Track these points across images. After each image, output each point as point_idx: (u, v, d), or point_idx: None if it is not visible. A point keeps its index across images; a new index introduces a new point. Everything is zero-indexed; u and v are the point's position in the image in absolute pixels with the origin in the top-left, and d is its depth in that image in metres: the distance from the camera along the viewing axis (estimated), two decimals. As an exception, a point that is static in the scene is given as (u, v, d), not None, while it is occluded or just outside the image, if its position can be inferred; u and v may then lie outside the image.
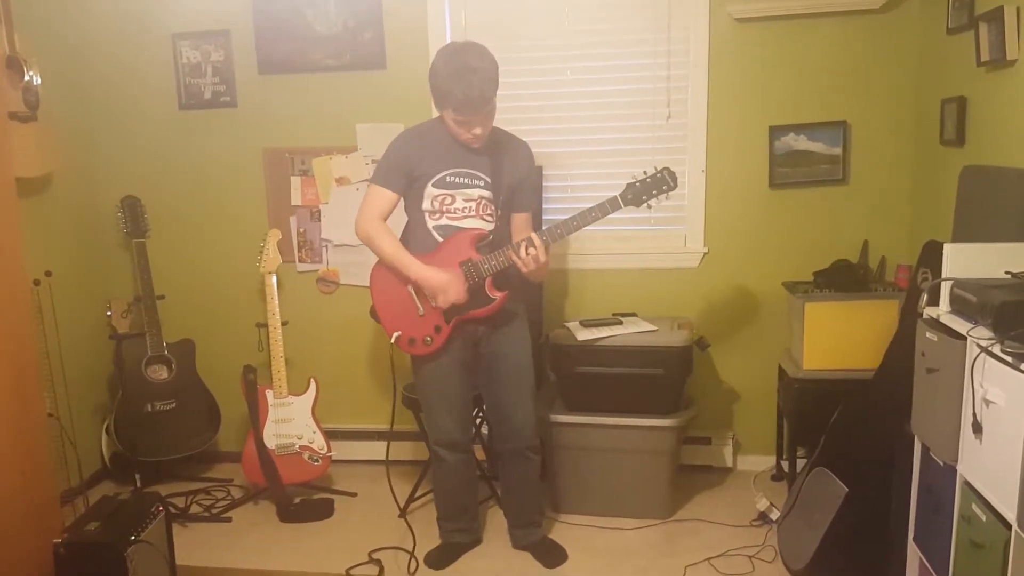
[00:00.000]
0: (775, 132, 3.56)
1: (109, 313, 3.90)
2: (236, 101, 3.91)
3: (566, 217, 2.83)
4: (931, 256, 2.84)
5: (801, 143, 3.56)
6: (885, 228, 3.56)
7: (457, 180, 2.84)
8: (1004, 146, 2.69)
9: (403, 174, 2.86)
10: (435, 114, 2.88)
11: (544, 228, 2.85)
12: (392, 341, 2.94)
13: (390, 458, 3.96)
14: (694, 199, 3.68)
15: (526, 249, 2.77)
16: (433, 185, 2.84)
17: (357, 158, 3.81)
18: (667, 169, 2.82)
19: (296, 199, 3.94)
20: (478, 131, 2.75)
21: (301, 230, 3.97)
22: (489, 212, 2.88)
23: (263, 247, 3.69)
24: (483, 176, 2.85)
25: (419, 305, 2.90)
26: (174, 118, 3.97)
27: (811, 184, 3.58)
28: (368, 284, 3.01)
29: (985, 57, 2.74)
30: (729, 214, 3.68)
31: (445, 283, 2.80)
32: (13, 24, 3.29)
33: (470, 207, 2.85)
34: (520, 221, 2.98)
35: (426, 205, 2.86)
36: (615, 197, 2.81)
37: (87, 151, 3.99)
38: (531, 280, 2.91)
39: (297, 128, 3.89)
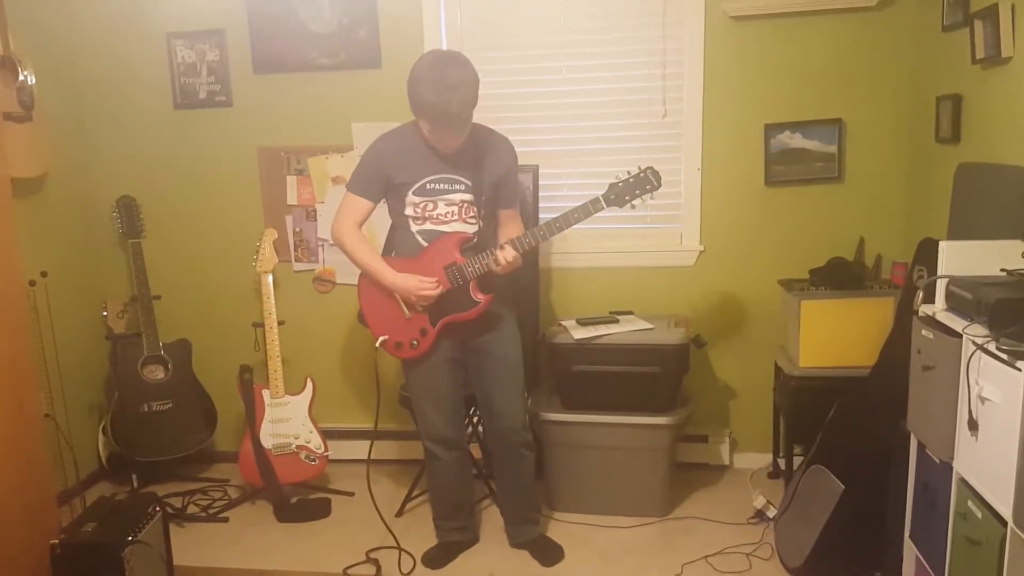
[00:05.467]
0: (770, 130, 3.56)
1: (105, 313, 3.89)
2: (231, 100, 3.90)
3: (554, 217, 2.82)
4: (927, 254, 2.84)
5: (796, 141, 3.56)
6: (881, 226, 3.57)
7: (438, 187, 2.83)
8: (999, 143, 2.69)
9: (379, 183, 2.86)
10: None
11: (528, 230, 2.83)
12: (377, 345, 2.95)
13: (388, 458, 3.99)
14: (690, 197, 3.68)
15: (498, 256, 2.77)
16: (414, 193, 2.83)
17: (353, 157, 3.80)
18: (651, 168, 2.79)
19: (292, 198, 3.94)
20: (452, 143, 2.74)
21: (297, 229, 3.96)
22: (472, 215, 2.87)
23: (259, 247, 3.69)
24: (463, 180, 2.83)
25: (405, 310, 2.90)
26: (169, 118, 3.95)
27: (807, 182, 3.58)
28: (362, 285, 3.01)
29: (980, 54, 2.74)
30: (725, 212, 3.68)
31: (413, 285, 2.81)
32: (7, 24, 3.28)
33: (452, 211, 2.84)
34: (506, 217, 2.98)
35: (409, 211, 2.86)
36: (597, 198, 2.79)
37: (82, 151, 3.98)
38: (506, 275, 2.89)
39: (292, 127, 3.88)
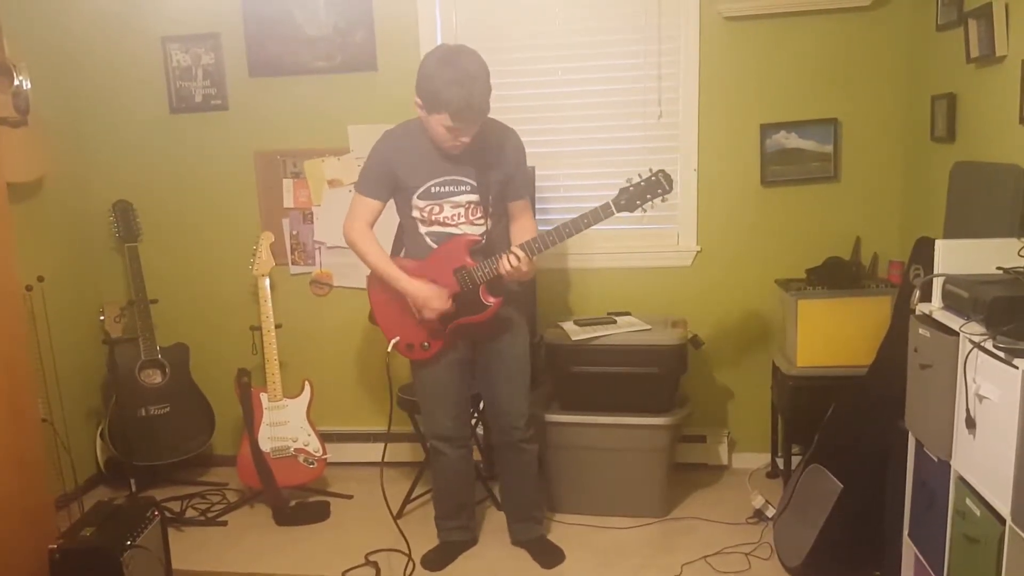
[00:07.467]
0: (766, 130, 3.57)
1: (102, 318, 3.88)
2: (227, 104, 3.89)
3: (558, 219, 2.81)
4: (923, 252, 2.85)
5: (792, 141, 3.56)
6: (877, 225, 3.57)
7: (443, 189, 2.81)
8: (994, 142, 2.70)
9: (386, 182, 2.86)
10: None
11: (538, 235, 2.81)
12: (390, 348, 2.94)
13: (386, 460, 3.98)
14: (686, 198, 3.68)
15: (508, 260, 2.74)
16: (419, 197, 2.82)
17: (349, 160, 3.81)
18: (662, 172, 2.72)
19: (288, 201, 3.94)
20: (466, 139, 2.70)
21: (294, 232, 3.96)
22: (479, 215, 2.85)
23: (256, 250, 3.69)
24: (468, 181, 2.81)
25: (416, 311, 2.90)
26: (165, 122, 3.95)
27: (803, 182, 3.59)
28: (363, 286, 3.02)
29: (974, 53, 2.75)
30: (721, 212, 3.68)
31: (427, 297, 2.80)
32: (2, 29, 3.27)
33: (459, 213, 2.84)
34: (517, 209, 2.95)
35: (415, 214, 2.86)
36: (608, 203, 2.73)
37: (78, 155, 3.97)
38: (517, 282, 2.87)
39: (288, 130, 3.88)
